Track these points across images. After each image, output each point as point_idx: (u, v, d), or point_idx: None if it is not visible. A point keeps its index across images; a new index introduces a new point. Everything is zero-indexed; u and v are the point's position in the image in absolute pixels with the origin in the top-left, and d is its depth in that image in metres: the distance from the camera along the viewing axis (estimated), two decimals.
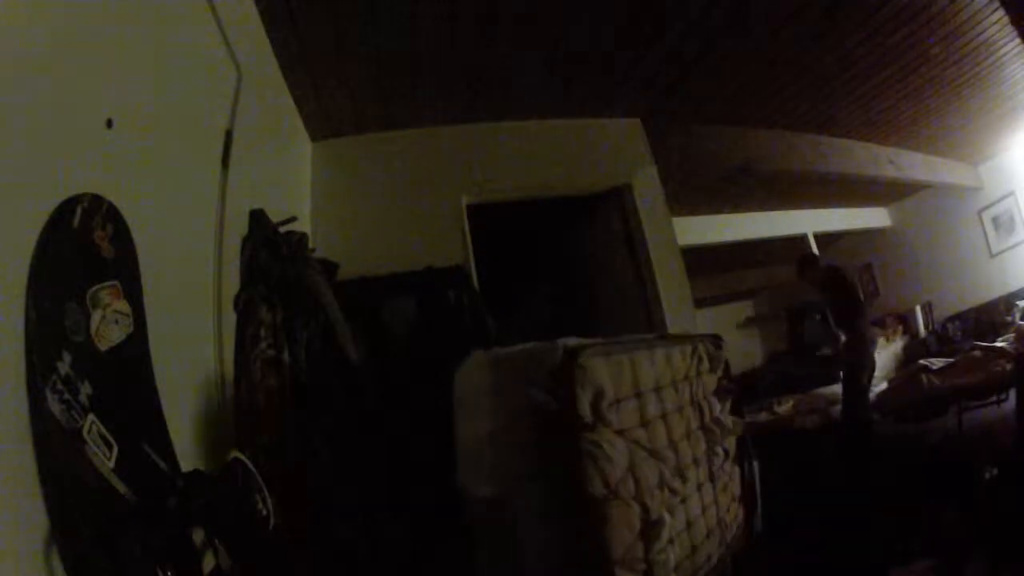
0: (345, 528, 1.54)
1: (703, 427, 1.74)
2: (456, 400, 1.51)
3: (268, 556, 1.02)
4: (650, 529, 1.34)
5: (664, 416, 1.54)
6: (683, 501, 1.52)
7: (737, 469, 1.92)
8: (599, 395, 1.33)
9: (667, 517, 1.39)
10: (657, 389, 1.55)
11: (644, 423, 1.46)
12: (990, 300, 5.63)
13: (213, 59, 1.67)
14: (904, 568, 2.04)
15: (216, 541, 0.91)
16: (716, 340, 1.98)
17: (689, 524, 1.54)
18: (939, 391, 3.83)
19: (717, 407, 1.86)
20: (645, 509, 1.34)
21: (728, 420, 1.87)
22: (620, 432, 1.37)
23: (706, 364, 1.85)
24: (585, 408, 1.30)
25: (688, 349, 1.76)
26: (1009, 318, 5.12)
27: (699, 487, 1.62)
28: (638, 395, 1.47)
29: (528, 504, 1.35)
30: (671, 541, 1.40)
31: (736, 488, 1.87)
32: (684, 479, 1.53)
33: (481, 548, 1.45)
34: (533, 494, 1.35)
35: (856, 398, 3.87)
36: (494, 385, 1.46)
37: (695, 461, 1.62)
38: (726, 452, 1.81)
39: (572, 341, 1.42)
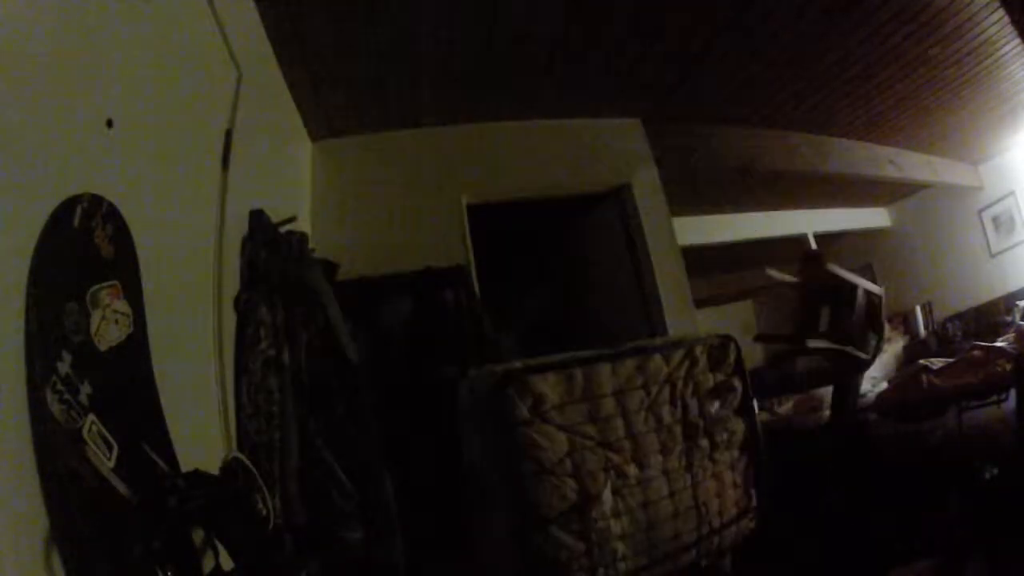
0: (345, 526, 1.54)
1: (685, 422, 1.92)
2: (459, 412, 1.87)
3: (268, 556, 1.02)
4: (586, 502, 1.66)
5: (624, 414, 1.81)
6: (639, 484, 1.79)
7: (743, 460, 2.03)
8: (539, 400, 1.67)
9: (607, 494, 1.70)
10: (618, 392, 1.82)
11: (595, 420, 1.76)
12: (990, 300, 5.61)
13: (213, 59, 1.67)
14: (904, 568, 2.04)
15: (216, 541, 0.92)
16: (724, 340, 2.04)
17: (647, 504, 1.79)
18: (939, 391, 3.81)
19: (715, 404, 1.97)
20: (582, 485, 1.67)
21: (721, 414, 1.99)
22: (562, 427, 1.69)
23: (703, 364, 1.98)
24: (523, 411, 1.64)
25: (680, 353, 1.94)
26: (1009, 318, 5.11)
27: (666, 473, 1.85)
28: (590, 398, 1.76)
29: (498, 484, 1.71)
30: (617, 515, 1.72)
31: (738, 477, 2.01)
32: (643, 466, 1.80)
33: (474, 515, 1.83)
34: (501, 475, 1.70)
35: (849, 406, 3.81)
36: (471, 399, 1.84)
37: (663, 451, 1.86)
38: (714, 443, 1.96)
39: (518, 363, 1.78)
